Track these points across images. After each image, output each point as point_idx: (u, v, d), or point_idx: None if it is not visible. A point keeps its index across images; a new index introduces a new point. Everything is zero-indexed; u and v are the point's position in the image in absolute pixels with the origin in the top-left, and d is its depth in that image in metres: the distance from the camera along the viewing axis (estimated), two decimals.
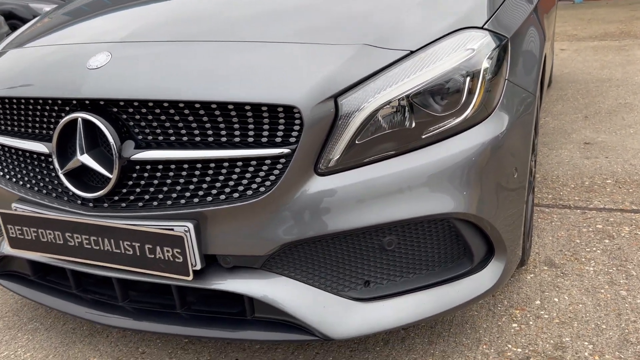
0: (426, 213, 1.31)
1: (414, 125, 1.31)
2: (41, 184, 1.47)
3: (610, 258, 1.98)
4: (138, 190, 1.34)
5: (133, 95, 1.29)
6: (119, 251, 1.36)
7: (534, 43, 1.71)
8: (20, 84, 1.48)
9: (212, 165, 1.28)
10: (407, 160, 1.31)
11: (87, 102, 1.35)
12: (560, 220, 2.29)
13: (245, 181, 1.27)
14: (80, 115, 1.33)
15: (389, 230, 1.34)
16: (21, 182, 1.52)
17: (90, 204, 1.38)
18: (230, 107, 1.25)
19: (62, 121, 1.36)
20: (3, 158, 1.57)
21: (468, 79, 1.35)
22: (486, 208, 1.38)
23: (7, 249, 1.57)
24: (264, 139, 1.26)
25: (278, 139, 1.25)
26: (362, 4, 1.50)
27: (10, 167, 1.55)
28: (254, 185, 1.27)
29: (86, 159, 1.34)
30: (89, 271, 1.46)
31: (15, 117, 1.51)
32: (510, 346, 1.58)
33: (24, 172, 1.51)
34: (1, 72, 1.57)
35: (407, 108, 1.30)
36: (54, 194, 1.45)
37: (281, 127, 1.25)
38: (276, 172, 1.25)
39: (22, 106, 1.48)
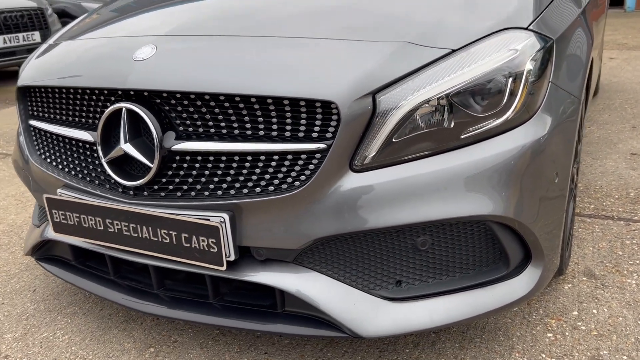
0: (462, 214, 1.29)
1: (453, 125, 1.30)
2: (85, 172, 1.52)
3: None
4: (177, 180, 1.36)
5: (176, 87, 1.32)
6: (156, 239, 1.40)
7: (581, 47, 1.67)
8: (70, 75, 1.53)
9: (249, 158, 1.30)
10: (444, 160, 1.30)
11: (131, 92, 1.39)
12: (602, 231, 2.22)
13: (281, 175, 1.28)
14: (125, 105, 1.37)
15: (423, 230, 1.32)
16: (66, 169, 1.57)
17: (131, 192, 1.42)
18: (269, 101, 1.27)
19: (107, 111, 1.40)
20: (51, 145, 1.62)
21: (510, 79, 1.33)
22: (525, 212, 1.35)
23: (51, 233, 1.63)
24: (301, 134, 1.26)
25: (315, 134, 1.26)
26: (405, 3, 1.50)
27: (57, 154, 1.60)
28: (289, 179, 1.28)
29: (129, 148, 1.38)
30: (127, 258, 1.49)
31: (64, 106, 1.56)
32: (544, 355, 1.54)
33: (70, 159, 1.56)
34: (53, 63, 1.63)
35: (446, 107, 1.29)
36: (96, 182, 1.50)
37: (318, 122, 1.25)
38: (312, 167, 1.26)
39: (71, 96, 1.53)
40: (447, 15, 1.41)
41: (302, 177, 1.27)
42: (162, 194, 1.38)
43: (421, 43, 1.32)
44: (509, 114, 1.33)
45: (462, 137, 1.31)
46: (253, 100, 1.28)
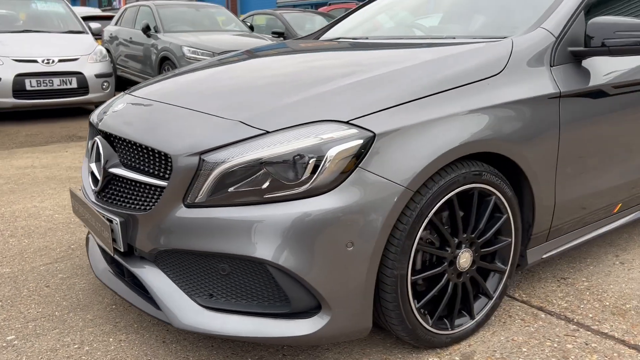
0: (245, 254, 1.70)
1: (264, 186, 1.71)
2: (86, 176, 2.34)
3: None
4: (110, 191, 2.07)
5: (114, 131, 2.04)
6: (96, 228, 2.12)
7: (431, 144, 1.80)
8: (99, 116, 2.37)
9: (134, 183, 1.94)
10: (248, 210, 1.72)
11: (102, 131, 2.15)
12: (539, 328, 2.18)
13: (146, 198, 1.88)
14: (97, 138, 2.13)
15: (222, 259, 1.77)
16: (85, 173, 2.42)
17: (94, 195, 2.17)
18: (149, 148, 1.89)
19: (93, 139, 2.19)
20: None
21: (312, 160, 1.69)
22: (304, 267, 1.68)
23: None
24: (160, 173, 1.85)
25: (163, 174, 1.83)
26: (258, 93, 1.97)
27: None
28: (148, 203, 1.87)
29: (92, 166, 2.14)
30: (92, 236, 2.26)
31: (91, 134, 2.42)
32: None
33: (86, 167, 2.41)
34: (102, 107, 2.50)
35: (259, 172, 1.71)
36: (90, 185, 2.30)
37: (164, 167, 1.82)
38: (158, 197, 1.83)
39: (94, 127, 2.38)
40: (280, 104, 1.83)
41: (153, 203, 1.85)
42: (104, 199, 2.10)
43: (248, 123, 1.78)
44: (307, 186, 1.69)
45: (266, 196, 1.72)
46: (143, 146, 1.91)
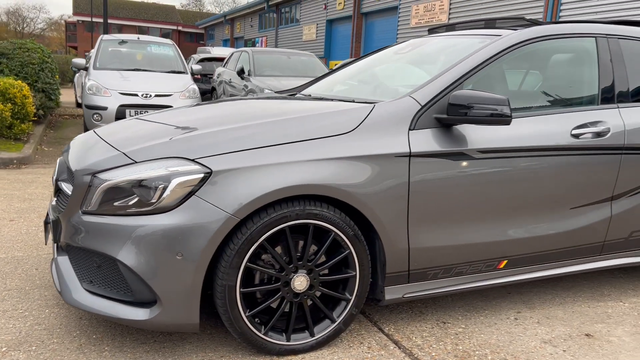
0: (104, 251, 2.28)
1: (129, 202, 2.30)
2: None
3: None
4: (58, 198, 2.77)
5: (64, 154, 2.75)
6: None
7: (261, 183, 2.24)
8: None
9: (63, 192, 2.61)
10: (111, 219, 2.29)
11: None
12: (376, 356, 2.46)
13: (64, 204, 2.54)
14: (58, 158, 2.86)
15: (94, 254, 2.35)
16: None
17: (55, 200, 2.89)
18: (69, 166, 2.56)
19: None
20: None
21: (160, 186, 2.24)
22: (141, 266, 2.21)
23: None
24: (71, 185, 2.51)
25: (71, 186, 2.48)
26: (156, 133, 2.55)
27: None
28: (64, 207, 2.52)
29: (53, 179, 2.87)
30: None
31: None
32: None
33: None
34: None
35: (126, 191, 2.30)
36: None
37: (73, 181, 2.47)
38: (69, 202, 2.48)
39: None
40: (156, 142, 2.40)
41: (65, 207, 2.50)
42: (56, 203, 2.80)
43: (128, 155, 2.37)
44: (154, 206, 2.24)
45: (130, 210, 2.29)
46: (68, 165, 2.59)
